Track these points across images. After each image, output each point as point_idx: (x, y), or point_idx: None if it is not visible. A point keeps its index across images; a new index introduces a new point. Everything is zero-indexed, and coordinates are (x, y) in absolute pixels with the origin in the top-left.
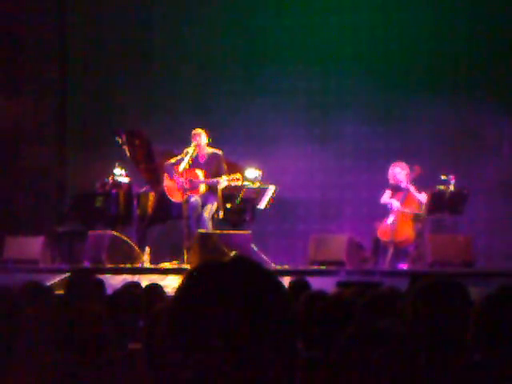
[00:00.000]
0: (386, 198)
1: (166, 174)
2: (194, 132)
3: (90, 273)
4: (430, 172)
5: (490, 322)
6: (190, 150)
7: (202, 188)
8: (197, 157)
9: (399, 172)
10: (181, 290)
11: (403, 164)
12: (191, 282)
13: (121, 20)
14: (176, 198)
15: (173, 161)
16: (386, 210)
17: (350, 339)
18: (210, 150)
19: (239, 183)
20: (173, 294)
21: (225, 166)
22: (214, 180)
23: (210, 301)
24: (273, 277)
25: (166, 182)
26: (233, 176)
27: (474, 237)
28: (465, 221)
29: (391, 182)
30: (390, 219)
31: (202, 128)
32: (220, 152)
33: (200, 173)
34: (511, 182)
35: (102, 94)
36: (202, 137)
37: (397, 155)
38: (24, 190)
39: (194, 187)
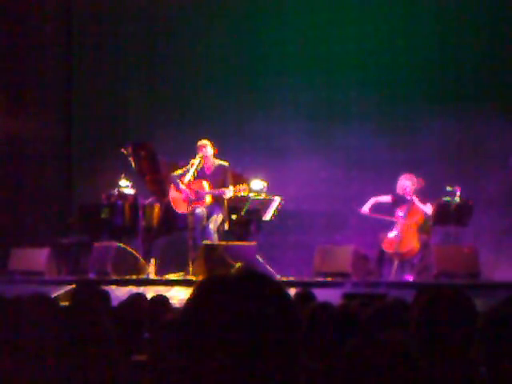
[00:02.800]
0: (379, 199)
1: (172, 185)
2: (199, 143)
3: (96, 284)
4: (436, 183)
5: (496, 334)
6: (196, 161)
7: (208, 199)
8: (203, 168)
9: (410, 185)
10: (190, 302)
11: (412, 176)
12: (200, 294)
13: (126, 32)
14: (181, 209)
15: (179, 172)
16: (391, 222)
17: (356, 351)
18: (217, 161)
19: (245, 193)
20: (178, 305)
21: (231, 178)
22: (221, 190)
23: (219, 313)
24: (280, 289)
25: (172, 194)
26: (239, 186)
27: (479, 248)
28: (470, 232)
29: (400, 193)
30: (393, 233)
31: (207, 139)
32: (226, 164)
33: (206, 184)
34: None
35: (107, 106)
36: (207, 148)
37: (402, 166)
38: (29, 202)
39: (199, 198)
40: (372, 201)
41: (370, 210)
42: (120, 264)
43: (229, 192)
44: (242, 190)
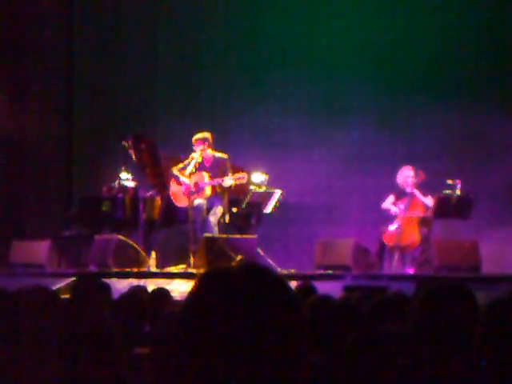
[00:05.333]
0: (388, 203)
1: (172, 180)
2: (199, 136)
3: (96, 277)
4: (436, 177)
5: (497, 327)
6: (196, 154)
7: (208, 191)
8: (202, 161)
9: (410, 176)
10: (192, 295)
11: (413, 169)
12: (202, 287)
13: (127, 27)
14: (182, 202)
15: (180, 166)
16: (391, 215)
17: (356, 343)
18: (216, 154)
19: (244, 181)
20: (179, 298)
21: (230, 170)
22: (220, 179)
23: (221, 306)
24: (282, 282)
25: (173, 188)
26: (238, 174)
27: (480, 241)
28: (471, 225)
29: (400, 185)
30: (394, 225)
31: (206, 132)
32: (225, 156)
33: (206, 175)
34: None
35: (108, 99)
36: (207, 141)
37: (403, 160)
38: (30, 195)
39: (199, 190)
40: (388, 205)
41: (395, 206)
42: (121, 257)
43: (228, 180)
44: (241, 178)
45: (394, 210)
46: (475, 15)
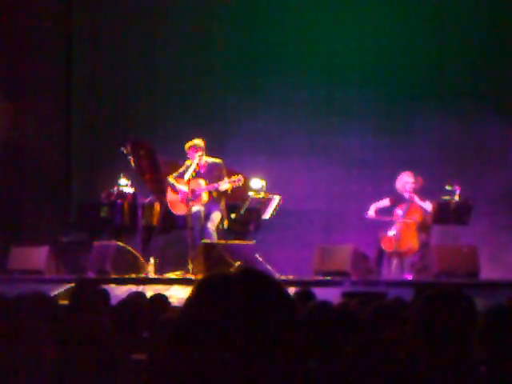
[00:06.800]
0: (379, 204)
1: (169, 188)
2: (191, 144)
3: (95, 283)
4: (435, 182)
5: (496, 333)
6: (195, 161)
7: (205, 197)
8: (197, 168)
9: (409, 181)
10: (190, 301)
11: (411, 174)
12: (200, 292)
13: (126, 31)
14: (179, 210)
15: (175, 174)
16: (391, 221)
17: (356, 349)
18: (210, 159)
19: (240, 184)
20: (177, 304)
21: (226, 175)
22: (216, 184)
23: (219, 311)
24: (280, 288)
25: (170, 196)
26: (233, 177)
27: (478, 247)
28: (470, 231)
29: (399, 190)
30: (392, 232)
31: (200, 138)
32: (220, 161)
33: (202, 182)
34: None
35: (107, 105)
36: (200, 147)
37: (402, 165)
38: (29, 200)
39: (196, 196)
40: (373, 207)
41: (376, 213)
42: (119, 263)
43: (224, 184)
44: (237, 181)
45: (371, 214)
46: (474, 21)
